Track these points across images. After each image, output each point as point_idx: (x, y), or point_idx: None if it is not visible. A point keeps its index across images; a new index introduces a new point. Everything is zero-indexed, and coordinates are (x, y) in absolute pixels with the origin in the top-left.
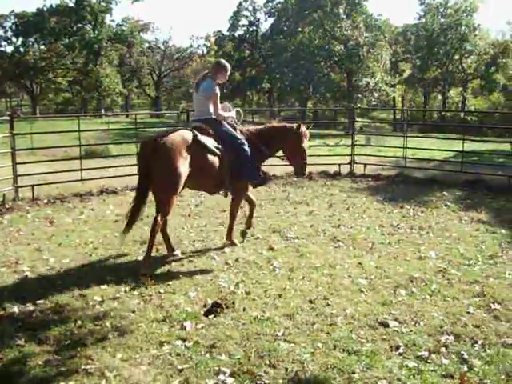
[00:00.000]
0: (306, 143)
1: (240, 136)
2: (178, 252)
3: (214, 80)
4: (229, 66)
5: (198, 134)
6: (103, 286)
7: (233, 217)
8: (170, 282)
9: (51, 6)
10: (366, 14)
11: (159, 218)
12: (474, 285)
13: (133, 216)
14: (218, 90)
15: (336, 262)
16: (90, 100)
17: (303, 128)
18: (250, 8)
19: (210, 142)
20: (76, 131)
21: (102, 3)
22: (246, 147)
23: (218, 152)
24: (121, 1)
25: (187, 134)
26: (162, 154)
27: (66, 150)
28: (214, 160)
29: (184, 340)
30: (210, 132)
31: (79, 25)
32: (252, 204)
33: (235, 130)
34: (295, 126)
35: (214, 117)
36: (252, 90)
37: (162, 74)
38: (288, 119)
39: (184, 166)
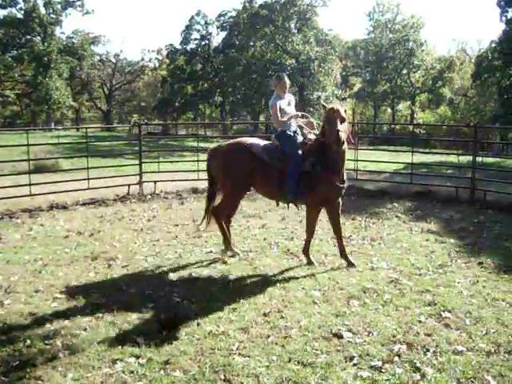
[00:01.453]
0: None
1: (299, 150)
2: (235, 251)
3: (276, 94)
4: (282, 75)
5: (255, 144)
6: (53, 304)
7: (307, 230)
8: (123, 298)
9: None
10: (317, 29)
11: (216, 209)
12: (425, 294)
13: (207, 209)
14: (277, 101)
15: (289, 275)
16: (40, 113)
17: (329, 105)
18: (202, 22)
19: (267, 152)
20: (25, 145)
21: (52, 15)
22: (296, 161)
23: (272, 163)
24: (71, 13)
25: (244, 143)
26: (216, 158)
27: (14, 165)
28: (269, 170)
29: (137, 357)
30: (277, 144)
31: (28, 37)
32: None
33: (304, 143)
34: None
35: (285, 130)
36: (204, 104)
37: (113, 87)
38: (240, 132)
39: (235, 170)
